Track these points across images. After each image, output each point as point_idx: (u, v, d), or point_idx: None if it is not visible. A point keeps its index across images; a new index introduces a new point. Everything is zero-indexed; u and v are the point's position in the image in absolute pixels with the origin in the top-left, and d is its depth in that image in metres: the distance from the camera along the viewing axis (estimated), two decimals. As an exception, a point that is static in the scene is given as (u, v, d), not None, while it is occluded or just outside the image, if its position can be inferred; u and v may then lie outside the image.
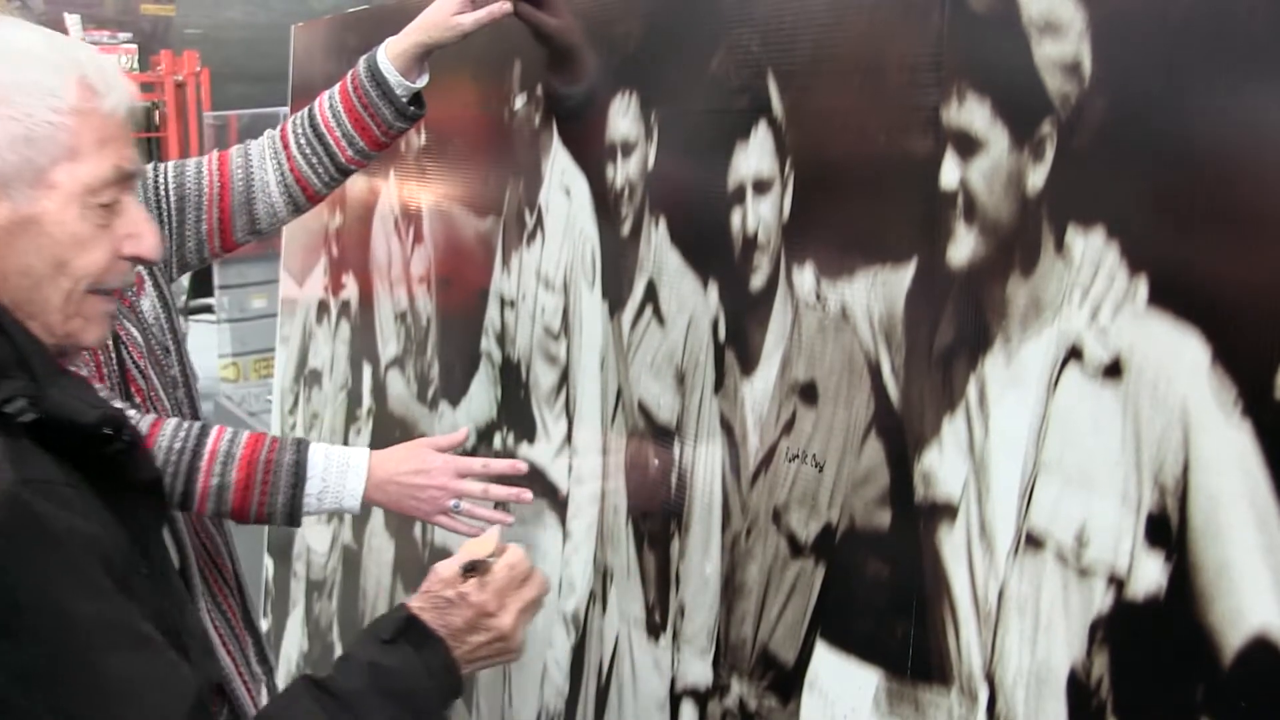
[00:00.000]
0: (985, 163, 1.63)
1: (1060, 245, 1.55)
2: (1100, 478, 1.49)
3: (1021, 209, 1.60)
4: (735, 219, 2.09)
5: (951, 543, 1.70)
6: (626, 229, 2.39)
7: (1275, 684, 1.31)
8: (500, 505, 2.47)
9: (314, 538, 4.09)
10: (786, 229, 2.00)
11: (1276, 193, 1.32)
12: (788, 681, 1.99)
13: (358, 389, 3.78)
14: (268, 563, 4.53)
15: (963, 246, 1.67)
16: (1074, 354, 1.53)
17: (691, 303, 2.22)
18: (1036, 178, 1.57)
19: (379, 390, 3.63)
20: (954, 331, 1.70)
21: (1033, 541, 1.58)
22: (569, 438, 2.61)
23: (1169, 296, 1.42)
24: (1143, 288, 1.44)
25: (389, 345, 3.54)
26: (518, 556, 1.93)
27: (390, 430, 3.51)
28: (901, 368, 1.79)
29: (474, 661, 1.85)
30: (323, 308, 4.08)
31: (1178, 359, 1.40)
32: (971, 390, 1.67)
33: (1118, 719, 1.47)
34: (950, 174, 1.68)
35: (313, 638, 4.08)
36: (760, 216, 2.04)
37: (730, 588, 2.12)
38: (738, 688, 2.09)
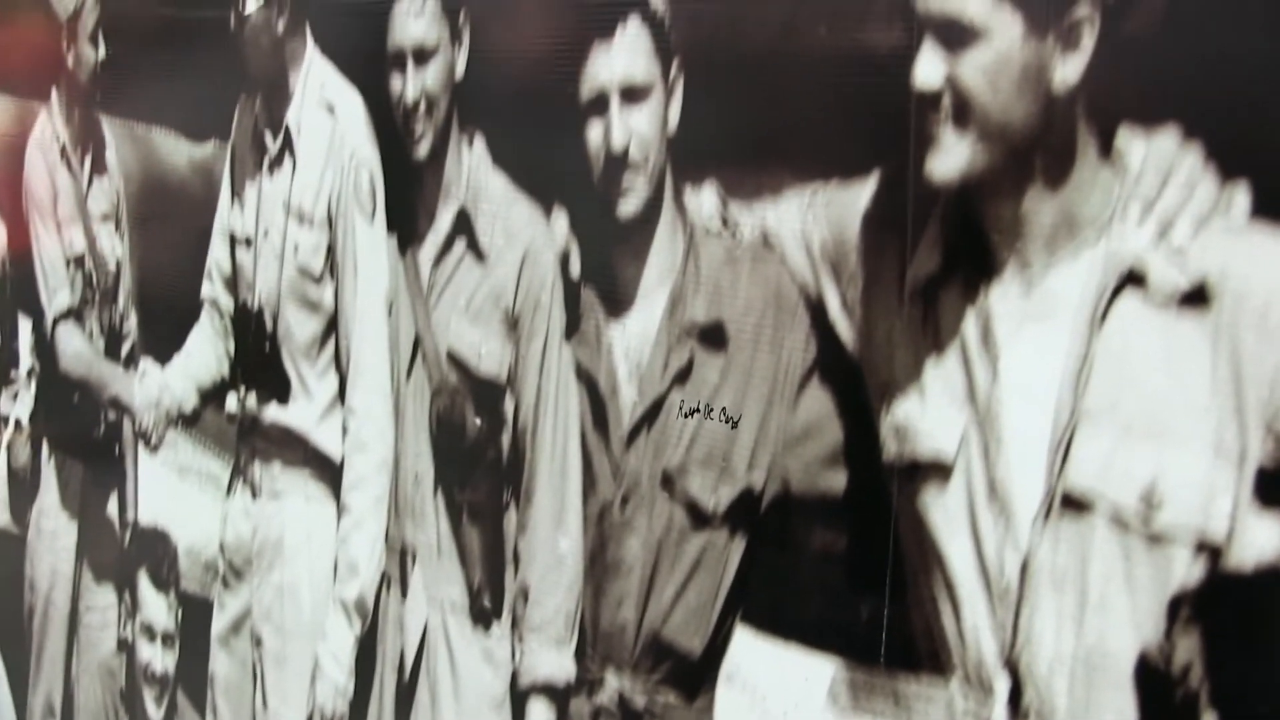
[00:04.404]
0: (985, 55, 1.31)
1: (1107, 150, 1.25)
2: (1178, 426, 1.20)
3: (1045, 109, 1.28)
4: (593, 134, 1.69)
5: (943, 507, 1.38)
6: (423, 150, 1.94)
7: None
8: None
9: (-46, 521, 3.38)
10: (674, 143, 1.62)
11: None
12: (693, 673, 1.64)
13: (11, 347, 3.11)
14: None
15: (951, 156, 1.34)
16: (1131, 280, 1.23)
17: (527, 234, 1.81)
18: (1068, 71, 1.26)
19: (44, 347, 2.99)
20: (940, 258, 1.38)
21: (1072, 504, 1.28)
22: (341, 396, 2.13)
23: (1285, 207, 1.14)
24: (1242, 197, 1.16)
25: (59, 294, 2.90)
26: None
27: (67, 394, 2.89)
28: (857, 303, 1.46)
29: None
30: (-46, 254, 3.35)
31: (1299, 281, 1.13)
32: (970, 327, 1.36)
33: (1218, 712, 1.19)
34: (930, 70, 1.34)
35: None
36: (633, 129, 1.65)
37: (599, 566, 1.74)
38: (616, 682, 1.72)
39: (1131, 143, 1.23)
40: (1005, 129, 1.30)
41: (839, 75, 1.45)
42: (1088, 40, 1.24)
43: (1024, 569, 1.32)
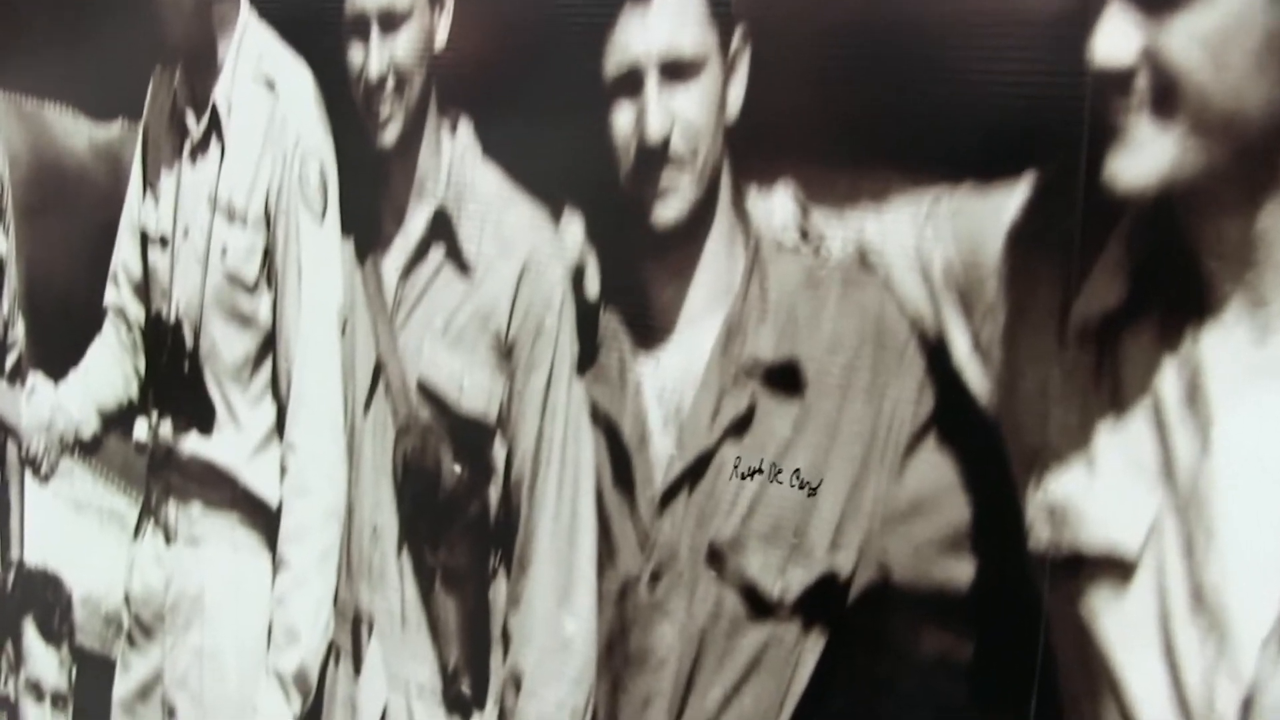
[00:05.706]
0: (1205, 20, 0.93)
1: (1397, 153, 0.88)
2: None
3: (1297, 95, 0.91)
4: (622, 119, 1.29)
5: (1121, 615, 1.01)
6: (390, 136, 1.53)
7: None
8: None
9: None
10: (734, 133, 1.22)
11: None
12: (748, 798, 1.24)
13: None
14: None
15: (1147, 155, 0.97)
16: None
17: (526, 243, 1.41)
18: (1337, 44, 0.88)
19: (-87, 356, 2.50)
20: (1124, 290, 1.00)
21: (1326, 624, 0.91)
22: (279, 428, 1.70)
23: None
24: None
25: (-68, 297, 2.42)
26: None
27: (-59, 410, 2.40)
28: (996, 344, 1.07)
29: None
30: None
31: None
32: (1168, 382, 0.98)
33: None
34: (1118, 40, 0.96)
35: None
36: (676, 115, 1.25)
37: (619, 655, 1.34)
38: (641, 798, 1.32)
39: None
40: (1233, 120, 0.93)
41: (974, 45, 1.06)
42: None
43: (1247, 705, 0.94)
